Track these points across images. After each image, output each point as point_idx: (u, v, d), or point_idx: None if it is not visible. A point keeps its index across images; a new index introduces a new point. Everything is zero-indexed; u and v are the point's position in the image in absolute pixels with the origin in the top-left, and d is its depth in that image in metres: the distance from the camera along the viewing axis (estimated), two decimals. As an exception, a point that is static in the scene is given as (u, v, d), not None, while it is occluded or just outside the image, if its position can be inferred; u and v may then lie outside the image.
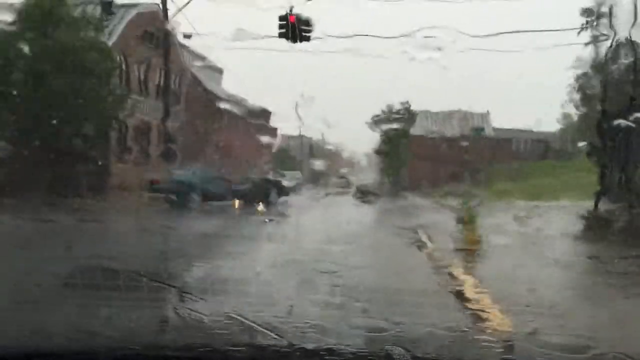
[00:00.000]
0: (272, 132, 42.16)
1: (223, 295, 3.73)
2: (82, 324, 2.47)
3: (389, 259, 8.71)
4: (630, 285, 6.19)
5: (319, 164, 39.76)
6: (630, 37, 11.66)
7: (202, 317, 2.26)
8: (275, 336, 2.14)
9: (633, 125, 10.26)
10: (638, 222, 9.44)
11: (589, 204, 12.02)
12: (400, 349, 2.06)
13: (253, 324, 2.19)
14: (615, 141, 11.18)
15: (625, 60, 13.19)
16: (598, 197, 11.54)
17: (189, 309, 2.30)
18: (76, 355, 1.99)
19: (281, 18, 16.63)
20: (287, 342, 2.10)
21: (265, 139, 41.50)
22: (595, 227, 10.81)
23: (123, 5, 23.76)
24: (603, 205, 11.43)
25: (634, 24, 11.64)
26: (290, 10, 16.37)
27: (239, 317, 2.25)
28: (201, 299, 2.75)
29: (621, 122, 10.57)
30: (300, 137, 48.90)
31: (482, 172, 30.99)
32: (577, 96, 30.96)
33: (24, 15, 17.69)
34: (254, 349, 2.07)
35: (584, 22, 27.83)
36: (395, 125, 36.94)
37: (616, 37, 12.33)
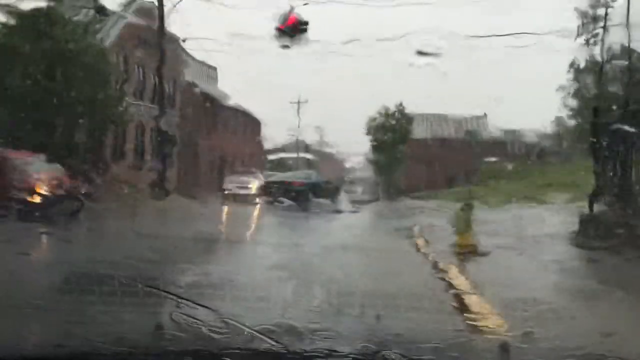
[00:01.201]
0: (262, 132, 42.05)
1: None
2: (77, 329, 2.46)
3: (385, 262, 8.71)
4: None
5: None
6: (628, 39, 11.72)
7: (198, 321, 2.25)
8: (271, 341, 2.13)
9: (627, 126, 10.29)
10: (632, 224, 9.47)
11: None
12: (396, 353, 2.06)
13: (249, 329, 2.19)
14: (609, 142, 11.22)
15: (619, 61, 13.28)
16: (592, 198, 11.57)
17: (184, 314, 2.30)
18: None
19: (279, 19, 16.62)
20: (283, 347, 2.10)
21: (259, 140, 41.39)
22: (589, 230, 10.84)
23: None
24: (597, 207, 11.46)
25: (627, 26, 11.71)
26: (291, 11, 16.38)
27: (234, 322, 2.24)
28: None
29: (615, 123, 10.60)
30: (296, 139, 48.81)
31: (476, 175, 31.04)
32: (571, 98, 31.09)
33: (18, 18, 17.66)
34: (250, 354, 2.06)
35: (580, 24, 27.92)
36: (391, 128, 36.92)
37: (610, 39, 12.40)
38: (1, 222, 9.85)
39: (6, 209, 11.41)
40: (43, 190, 13.18)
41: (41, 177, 13.76)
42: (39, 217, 11.59)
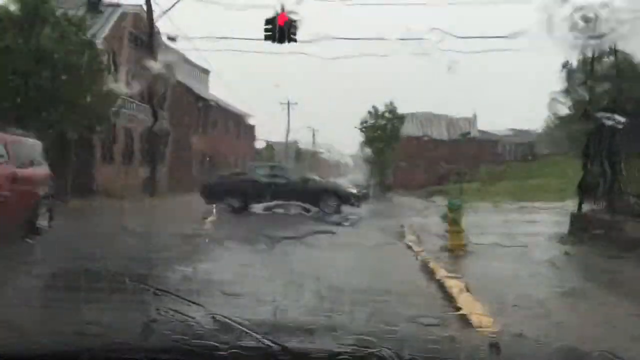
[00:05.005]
0: (253, 133, 42.12)
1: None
2: (66, 326, 2.44)
3: (376, 259, 8.72)
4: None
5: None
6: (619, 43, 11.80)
7: (188, 318, 2.23)
8: (262, 338, 2.11)
9: (616, 125, 10.35)
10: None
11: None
12: (387, 350, 2.05)
13: (239, 326, 2.17)
14: (597, 142, 11.30)
15: (609, 60, 13.35)
16: (581, 197, 11.65)
17: (173, 310, 2.28)
18: (61, 357, 1.96)
19: (268, 20, 16.59)
20: (274, 344, 2.08)
21: (248, 140, 41.37)
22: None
23: (109, 5, 23.59)
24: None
25: (620, 27, 11.76)
26: (282, 10, 16.34)
27: (225, 319, 2.22)
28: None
29: (605, 123, 10.66)
30: (287, 140, 48.79)
31: (467, 174, 31.15)
32: (562, 98, 31.23)
33: (6, 15, 17.50)
34: (240, 351, 2.05)
35: (569, 23, 28.00)
36: (381, 127, 36.96)
37: (601, 40, 12.46)
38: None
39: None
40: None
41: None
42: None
